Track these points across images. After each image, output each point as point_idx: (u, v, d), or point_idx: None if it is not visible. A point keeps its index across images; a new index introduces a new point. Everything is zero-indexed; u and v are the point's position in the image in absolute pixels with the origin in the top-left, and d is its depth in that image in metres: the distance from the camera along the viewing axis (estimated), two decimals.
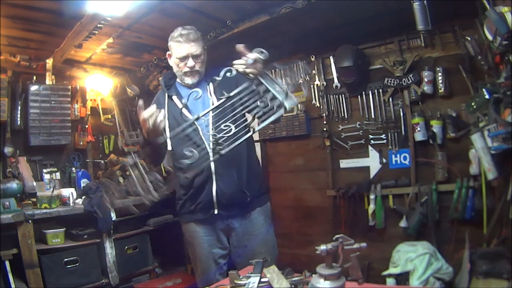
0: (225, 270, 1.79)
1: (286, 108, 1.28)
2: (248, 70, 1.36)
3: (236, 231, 1.76)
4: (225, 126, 1.37)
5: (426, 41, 2.50)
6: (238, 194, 1.70)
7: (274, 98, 1.30)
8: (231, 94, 1.40)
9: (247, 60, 1.34)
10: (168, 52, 1.80)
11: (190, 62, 1.71)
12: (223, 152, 1.36)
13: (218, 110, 1.52)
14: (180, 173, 1.75)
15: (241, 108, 1.38)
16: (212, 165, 1.64)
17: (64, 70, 3.11)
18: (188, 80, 1.76)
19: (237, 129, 1.35)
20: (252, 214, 1.77)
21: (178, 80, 1.83)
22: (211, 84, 1.75)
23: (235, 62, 1.39)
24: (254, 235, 1.76)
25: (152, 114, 1.45)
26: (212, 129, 1.56)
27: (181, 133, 1.55)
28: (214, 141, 1.40)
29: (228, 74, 1.39)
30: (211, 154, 1.54)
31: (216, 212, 1.69)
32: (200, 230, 1.76)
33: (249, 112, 1.38)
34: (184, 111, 1.68)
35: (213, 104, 1.63)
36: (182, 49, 1.70)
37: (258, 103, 1.33)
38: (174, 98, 1.77)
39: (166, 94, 1.78)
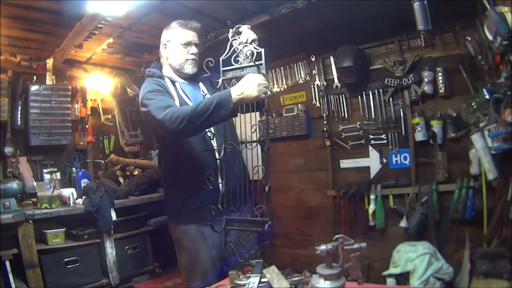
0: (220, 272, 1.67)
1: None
2: None
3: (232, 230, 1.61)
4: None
5: (427, 41, 2.50)
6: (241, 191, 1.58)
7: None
8: None
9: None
10: (164, 42, 1.72)
11: (194, 49, 1.69)
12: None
13: None
14: (184, 169, 1.65)
15: None
16: (218, 162, 1.58)
17: (64, 70, 3.12)
18: (189, 69, 1.71)
19: None
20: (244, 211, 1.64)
21: (168, 73, 1.73)
22: (201, 83, 1.76)
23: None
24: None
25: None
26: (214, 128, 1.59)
27: None
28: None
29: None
30: (217, 151, 1.57)
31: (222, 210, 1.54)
32: (205, 231, 1.64)
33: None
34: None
35: None
36: (186, 34, 1.67)
37: None
38: (177, 85, 1.67)
39: (169, 80, 1.68)
